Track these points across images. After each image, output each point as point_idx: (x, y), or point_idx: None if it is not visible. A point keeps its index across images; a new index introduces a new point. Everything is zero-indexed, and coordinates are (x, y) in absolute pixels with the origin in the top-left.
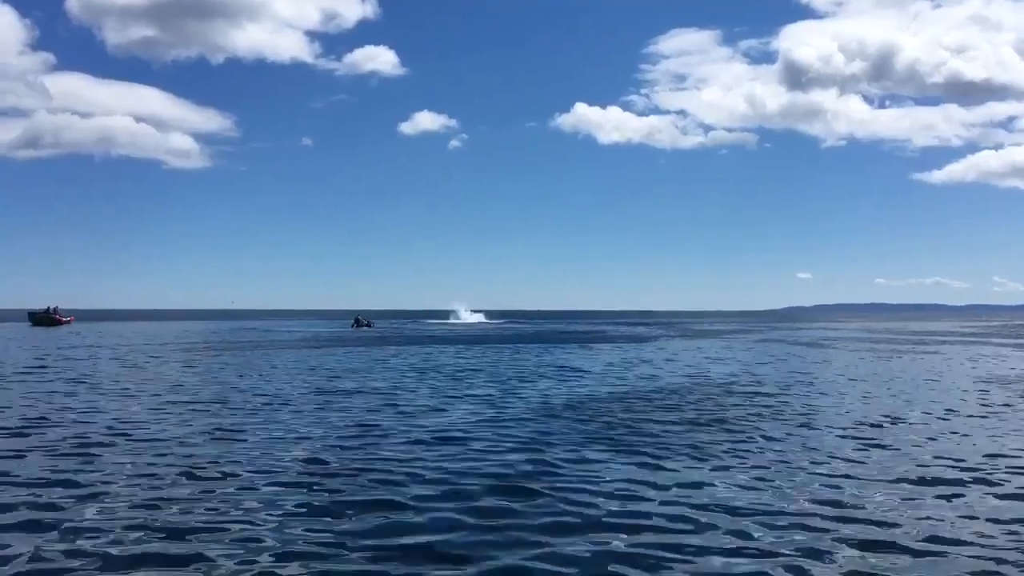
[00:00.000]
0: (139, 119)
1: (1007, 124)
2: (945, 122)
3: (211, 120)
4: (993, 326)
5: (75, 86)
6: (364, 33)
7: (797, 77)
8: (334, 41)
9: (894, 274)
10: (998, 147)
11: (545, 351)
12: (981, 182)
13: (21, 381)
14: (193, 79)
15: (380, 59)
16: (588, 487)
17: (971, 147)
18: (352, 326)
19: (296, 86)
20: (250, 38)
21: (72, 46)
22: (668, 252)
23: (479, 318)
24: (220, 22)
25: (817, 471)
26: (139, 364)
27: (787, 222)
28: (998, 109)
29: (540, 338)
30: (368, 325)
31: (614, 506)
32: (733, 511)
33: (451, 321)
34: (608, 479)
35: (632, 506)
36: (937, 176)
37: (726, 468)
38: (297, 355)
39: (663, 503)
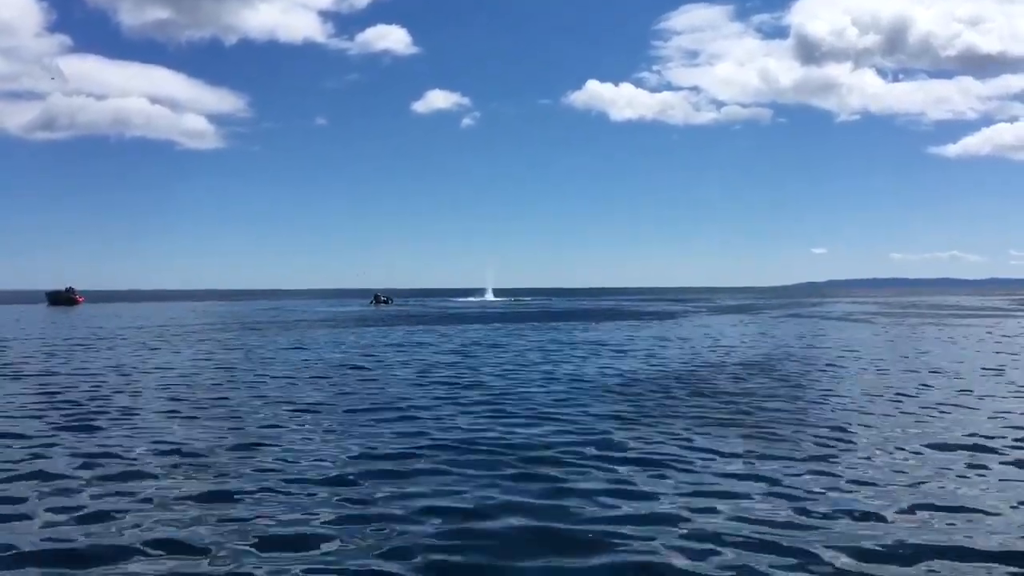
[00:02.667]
0: (154, 100)
1: (1023, 97)
2: (960, 95)
3: (224, 101)
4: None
5: (90, 68)
6: (376, 12)
7: (810, 51)
8: (346, 20)
9: (910, 248)
10: (1013, 120)
11: (578, 328)
12: (996, 155)
13: (72, 366)
14: (207, 60)
15: (392, 38)
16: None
17: (986, 120)
18: (372, 304)
19: (309, 66)
20: (263, 18)
21: (88, 28)
22: (681, 229)
23: (499, 297)
24: (233, 3)
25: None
26: (179, 345)
27: (801, 197)
28: (1013, 82)
29: (568, 316)
30: (387, 302)
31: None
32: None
33: (473, 299)
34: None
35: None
36: (952, 150)
37: (845, 454)
38: (332, 334)
39: (787, 497)
